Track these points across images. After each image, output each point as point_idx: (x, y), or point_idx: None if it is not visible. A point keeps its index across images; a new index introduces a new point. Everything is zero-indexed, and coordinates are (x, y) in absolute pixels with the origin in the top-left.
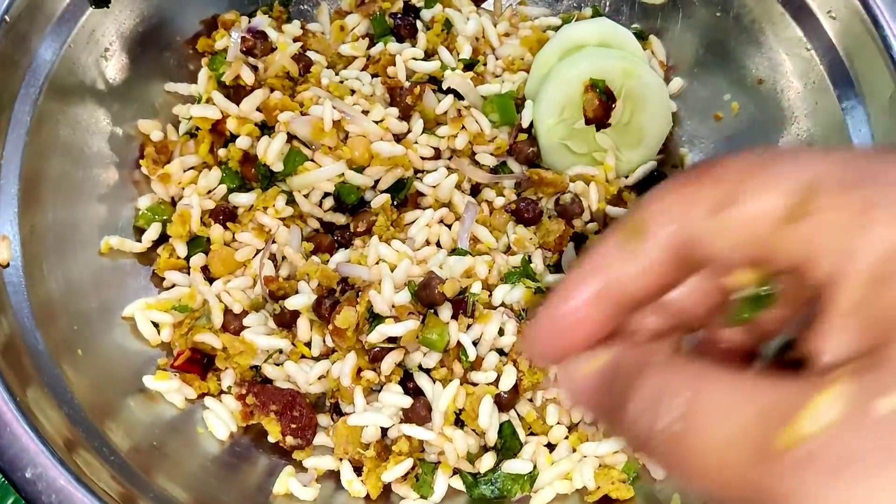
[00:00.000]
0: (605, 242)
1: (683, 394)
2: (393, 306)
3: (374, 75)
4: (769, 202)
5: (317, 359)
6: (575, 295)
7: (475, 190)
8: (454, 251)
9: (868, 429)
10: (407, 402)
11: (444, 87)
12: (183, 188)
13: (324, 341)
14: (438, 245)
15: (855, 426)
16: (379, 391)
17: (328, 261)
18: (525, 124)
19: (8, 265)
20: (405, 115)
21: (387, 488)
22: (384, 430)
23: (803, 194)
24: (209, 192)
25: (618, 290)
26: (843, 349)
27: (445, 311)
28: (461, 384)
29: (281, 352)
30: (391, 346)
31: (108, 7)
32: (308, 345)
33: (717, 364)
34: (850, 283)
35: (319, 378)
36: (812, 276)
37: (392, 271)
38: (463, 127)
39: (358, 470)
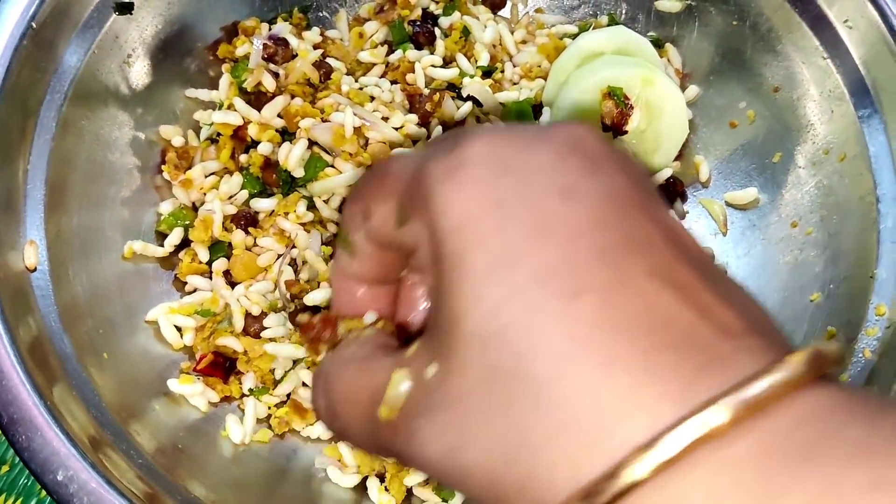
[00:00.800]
0: (337, 255)
1: (330, 379)
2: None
3: (393, 82)
4: (384, 213)
5: None
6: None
7: None
8: None
9: (423, 391)
10: None
11: (464, 94)
12: (204, 193)
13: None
14: None
15: (418, 395)
16: None
17: None
18: None
19: (35, 269)
20: (424, 122)
21: (408, 492)
22: None
23: (401, 203)
24: (230, 197)
25: (362, 281)
26: (419, 323)
27: None
28: None
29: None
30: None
31: (131, 14)
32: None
33: (377, 350)
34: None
35: None
36: (421, 263)
37: None
38: None
39: (380, 476)
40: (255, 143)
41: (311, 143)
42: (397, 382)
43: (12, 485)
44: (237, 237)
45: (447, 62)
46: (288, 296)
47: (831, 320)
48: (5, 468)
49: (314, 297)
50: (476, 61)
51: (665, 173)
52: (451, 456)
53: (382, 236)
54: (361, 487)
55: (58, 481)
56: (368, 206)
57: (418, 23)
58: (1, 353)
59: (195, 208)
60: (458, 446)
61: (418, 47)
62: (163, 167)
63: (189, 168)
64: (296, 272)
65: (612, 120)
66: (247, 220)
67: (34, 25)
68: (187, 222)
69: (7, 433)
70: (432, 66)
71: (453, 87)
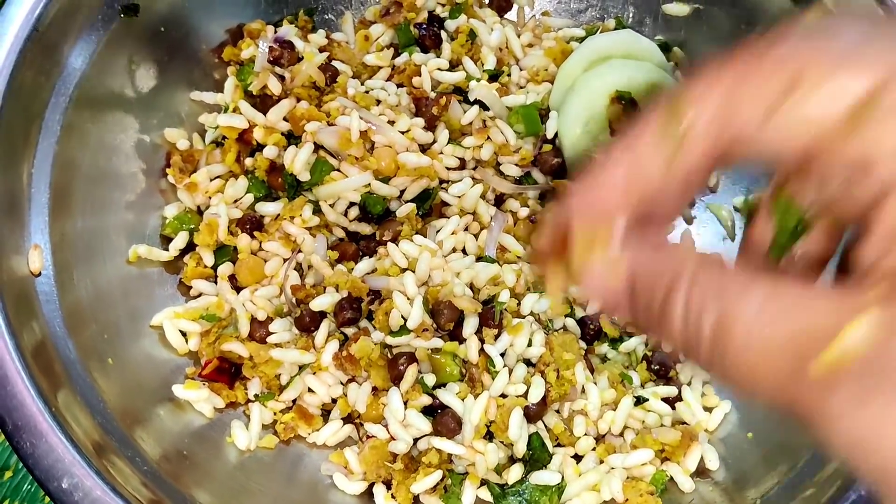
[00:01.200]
0: (644, 122)
1: (723, 303)
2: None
3: (399, 85)
4: (835, 97)
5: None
6: (601, 182)
7: (499, 200)
8: (480, 258)
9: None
10: (427, 426)
11: (470, 97)
12: (209, 197)
13: (340, 352)
14: (464, 252)
15: (883, 354)
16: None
17: (353, 269)
18: (550, 135)
19: (40, 274)
20: (430, 126)
21: (415, 500)
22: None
23: (872, 91)
24: (236, 201)
25: (640, 182)
26: (888, 264)
27: (471, 324)
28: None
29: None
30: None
31: (136, 16)
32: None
33: (757, 275)
34: None
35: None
36: (866, 182)
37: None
38: (488, 138)
39: (386, 483)
40: (260, 147)
41: (317, 147)
42: (854, 334)
43: (16, 491)
44: (243, 241)
45: (453, 65)
46: (293, 300)
47: None
48: (8, 474)
49: (320, 303)
50: (482, 65)
51: None
52: None
53: (773, 138)
54: (368, 494)
55: (62, 489)
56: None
57: (424, 26)
58: (5, 358)
59: (200, 212)
60: None
61: (424, 50)
62: (167, 171)
63: (194, 171)
64: (301, 277)
65: (619, 124)
66: (252, 224)
67: (39, 29)
68: (192, 226)
69: (11, 439)
70: (438, 69)
71: (460, 91)
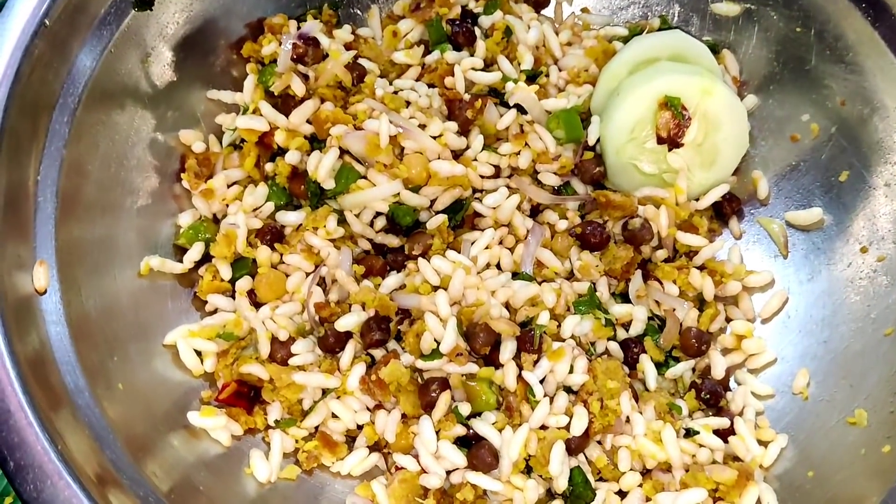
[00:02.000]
0: None
1: None
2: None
3: (430, 85)
4: None
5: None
6: None
7: (535, 211)
8: (517, 275)
9: None
10: (462, 460)
11: (509, 101)
12: (227, 205)
13: (367, 376)
14: (499, 268)
15: None
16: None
17: (380, 285)
18: (592, 142)
19: (45, 292)
20: (464, 130)
21: None
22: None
23: None
24: (255, 209)
25: None
26: None
27: (508, 348)
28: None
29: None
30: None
31: (151, 9)
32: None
33: None
34: None
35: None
36: None
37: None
38: (526, 144)
39: None
40: (281, 151)
41: (343, 152)
42: None
43: None
44: (262, 254)
45: (488, 65)
46: (317, 319)
47: None
48: (8, 500)
49: (346, 322)
50: (519, 64)
51: (721, 189)
52: None
53: None
54: None
55: None
56: None
57: (457, 22)
58: (7, 390)
59: (216, 220)
60: None
61: (457, 48)
62: (182, 175)
63: (210, 177)
64: (325, 292)
65: (667, 132)
66: (273, 234)
67: (47, 23)
68: (208, 236)
69: (13, 481)
70: (472, 68)
71: (495, 93)
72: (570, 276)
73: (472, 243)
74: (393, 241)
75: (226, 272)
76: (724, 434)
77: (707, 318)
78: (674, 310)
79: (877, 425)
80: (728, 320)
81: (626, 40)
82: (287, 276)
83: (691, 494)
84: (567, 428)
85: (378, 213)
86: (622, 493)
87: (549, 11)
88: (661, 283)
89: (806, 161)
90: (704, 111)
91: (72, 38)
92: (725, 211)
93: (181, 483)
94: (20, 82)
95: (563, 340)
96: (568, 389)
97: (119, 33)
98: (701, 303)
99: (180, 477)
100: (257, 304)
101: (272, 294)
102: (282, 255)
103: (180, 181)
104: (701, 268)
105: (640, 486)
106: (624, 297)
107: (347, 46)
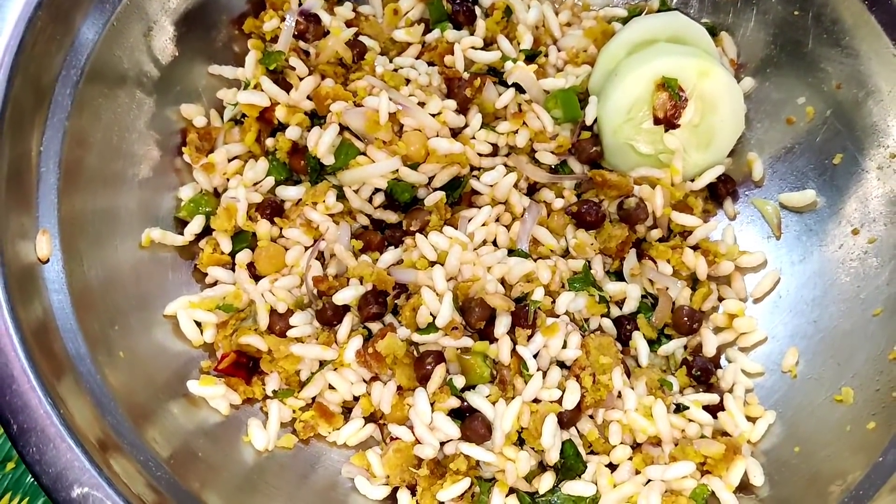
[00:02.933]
0: None
1: None
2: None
3: (430, 63)
4: None
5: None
6: None
7: (532, 189)
8: (513, 252)
9: None
10: (456, 431)
11: (508, 80)
12: (227, 179)
13: (363, 349)
14: (495, 244)
15: None
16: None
17: (377, 259)
18: (589, 122)
19: (48, 261)
20: (463, 109)
21: None
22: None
23: None
24: (255, 184)
25: None
26: None
27: (503, 323)
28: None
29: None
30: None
31: None
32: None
33: None
34: None
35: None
36: None
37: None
38: (524, 123)
39: (411, 489)
40: (282, 127)
41: (343, 129)
42: None
43: (17, 483)
44: (262, 227)
45: (488, 44)
46: (315, 292)
47: None
48: (10, 465)
49: (344, 296)
50: (518, 44)
51: (716, 171)
52: None
53: None
54: (391, 500)
55: (72, 498)
56: None
57: (458, 1)
58: (10, 356)
59: (217, 194)
60: None
61: (457, 27)
62: (183, 149)
63: (211, 151)
64: (323, 266)
65: (664, 113)
66: (272, 209)
67: None
68: (209, 209)
69: (17, 444)
70: (472, 47)
71: (495, 72)
72: (566, 254)
73: (469, 220)
74: (391, 217)
75: (226, 245)
76: (713, 410)
77: (700, 297)
78: (667, 288)
79: (862, 403)
80: (720, 299)
81: (625, 21)
82: (286, 249)
83: (680, 467)
84: (559, 402)
85: (377, 190)
86: (612, 466)
87: None
88: (654, 262)
89: (801, 144)
90: (701, 93)
91: (74, 11)
92: (720, 192)
93: (180, 449)
94: (23, 54)
95: (558, 316)
96: (561, 364)
97: (122, 6)
98: (694, 282)
99: (179, 443)
100: (257, 277)
101: (271, 267)
102: (281, 229)
103: (181, 155)
104: (695, 248)
105: (630, 459)
106: (618, 276)
107: (348, 23)
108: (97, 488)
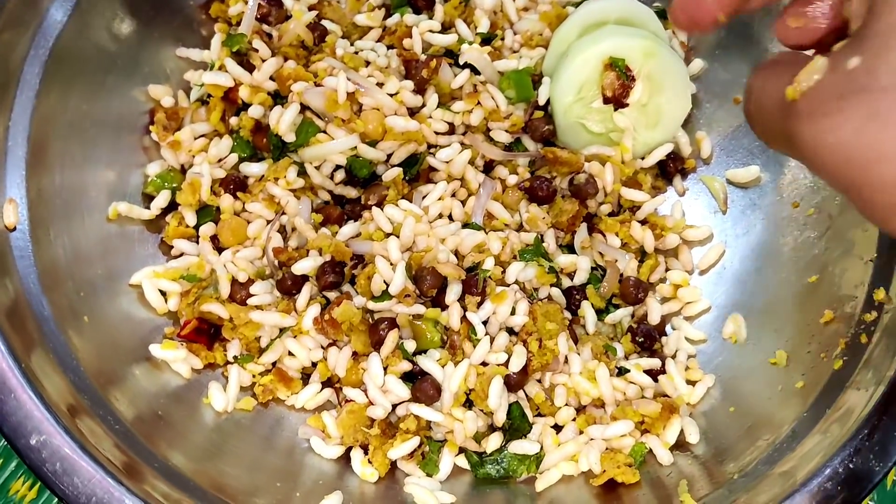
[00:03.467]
0: None
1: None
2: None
3: (389, 47)
4: None
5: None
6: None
7: (488, 167)
8: (467, 225)
9: (842, 78)
10: (406, 393)
11: (461, 61)
12: (193, 156)
13: (321, 316)
14: (451, 219)
15: (834, 81)
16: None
17: (336, 232)
18: (542, 101)
19: (14, 229)
20: (420, 89)
21: (392, 465)
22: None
23: None
24: (220, 160)
25: None
26: (856, 20)
27: (454, 291)
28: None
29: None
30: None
31: None
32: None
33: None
34: None
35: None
36: None
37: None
38: (478, 103)
39: (363, 448)
40: (246, 106)
41: (304, 108)
42: (814, 65)
43: None
44: (225, 202)
45: (446, 28)
46: (276, 263)
47: (828, 303)
48: None
49: (303, 266)
50: (476, 28)
51: (665, 149)
52: (855, 140)
53: None
54: (345, 459)
55: (30, 445)
56: None
57: None
58: None
59: (183, 171)
60: (871, 131)
61: (417, 12)
62: (151, 128)
63: (178, 129)
64: (284, 239)
65: (612, 92)
66: (236, 184)
67: None
68: (175, 185)
69: None
70: (430, 31)
71: (451, 54)
72: (520, 229)
73: (426, 195)
74: (351, 192)
75: (191, 219)
76: (656, 374)
77: (647, 268)
78: (615, 261)
79: (794, 364)
80: (668, 271)
81: (578, 6)
82: (248, 223)
83: (619, 426)
84: (506, 365)
85: (338, 167)
86: (558, 428)
87: None
88: (604, 236)
89: (746, 122)
90: (649, 73)
91: None
92: (669, 169)
93: (143, 410)
94: None
95: (508, 285)
96: (510, 331)
97: None
98: (642, 254)
99: (143, 404)
100: (220, 249)
101: (234, 239)
102: (244, 203)
103: (149, 133)
104: (643, 222)
105: (574, 420)
106: (570, 250)
107: (311, 8)
108: (54, 436)
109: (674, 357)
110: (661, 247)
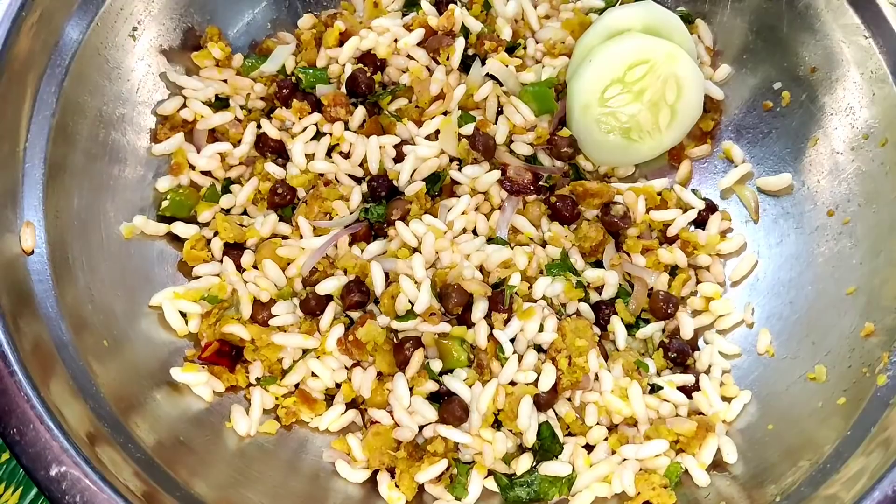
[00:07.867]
0: None
1: None
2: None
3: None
4: None
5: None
6: None
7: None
8: (492, 240)
9: None
10: (433, 414)
11: (483, 72)
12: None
13: (345, 336)
14: (475, 233)
15: None
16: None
17: (364, 249)
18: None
19: (32, 252)
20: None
21: (420, 488)
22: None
23: None
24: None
25: None
26: None
27: (480, 308)
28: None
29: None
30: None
31: None
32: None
33: None
34: None
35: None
36: None
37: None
38: (500, 111)
39: (390, 471)
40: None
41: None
42: None
43: (12, 475)
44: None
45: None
46: (301, 282)
47: (868, 315)
48: (5, 456)
49: (327, 286)
50: (498, 36)
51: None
52: None
53: None
54: (371, 483)
55: (50, 477)
56: None
57: None
58: None
59: (198, 187)
60: None
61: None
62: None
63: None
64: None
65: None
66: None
67: None
68: (190, 203)
69: None
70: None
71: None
72: (544, 245)
73: (449, 209)
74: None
75: (218, 252)
76: (690, 391)
77: (679, 282)
78: (643, 277)
79: (834, 380)
80: (698, 282)
81: (601, 12)
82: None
83: (653, 446)
84: (535, 384)
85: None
86: (589, 447)
87: None
88: (629, 256)
89: (777, 128)
90: (674, 73)
91: (58, 11)
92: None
93: (164, 436)
94: (8, 53)
95: (535, 301)
96: (538, 348)
97: (105, 7)
98: (673, 268)
99: (164, 430)
100: (240, 268)
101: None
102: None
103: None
104: (675, 238)
105: (606, 439)
106: (597, 264)
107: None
108: (74, 468)
109: (707, 372)
110: (692, 263)
